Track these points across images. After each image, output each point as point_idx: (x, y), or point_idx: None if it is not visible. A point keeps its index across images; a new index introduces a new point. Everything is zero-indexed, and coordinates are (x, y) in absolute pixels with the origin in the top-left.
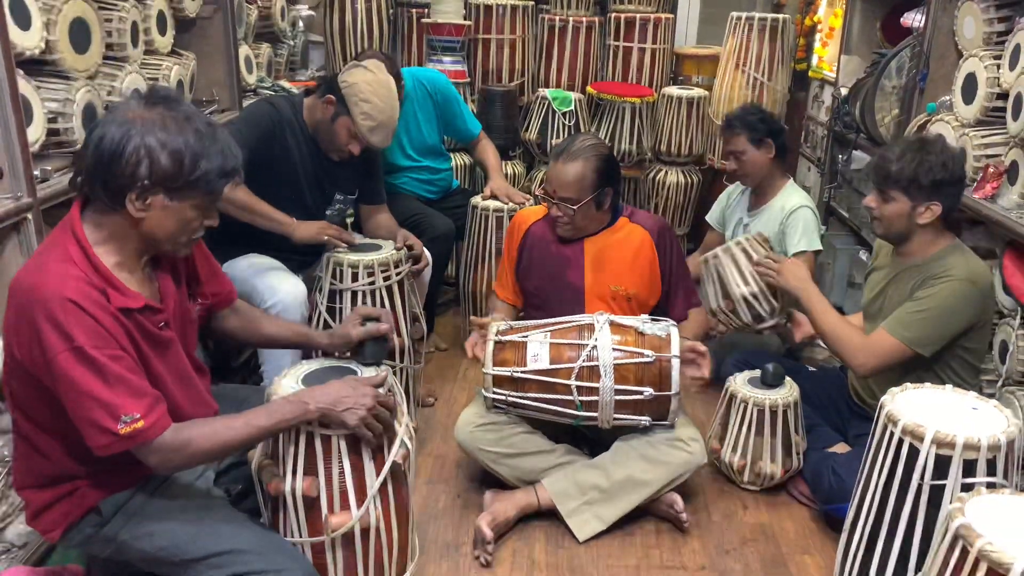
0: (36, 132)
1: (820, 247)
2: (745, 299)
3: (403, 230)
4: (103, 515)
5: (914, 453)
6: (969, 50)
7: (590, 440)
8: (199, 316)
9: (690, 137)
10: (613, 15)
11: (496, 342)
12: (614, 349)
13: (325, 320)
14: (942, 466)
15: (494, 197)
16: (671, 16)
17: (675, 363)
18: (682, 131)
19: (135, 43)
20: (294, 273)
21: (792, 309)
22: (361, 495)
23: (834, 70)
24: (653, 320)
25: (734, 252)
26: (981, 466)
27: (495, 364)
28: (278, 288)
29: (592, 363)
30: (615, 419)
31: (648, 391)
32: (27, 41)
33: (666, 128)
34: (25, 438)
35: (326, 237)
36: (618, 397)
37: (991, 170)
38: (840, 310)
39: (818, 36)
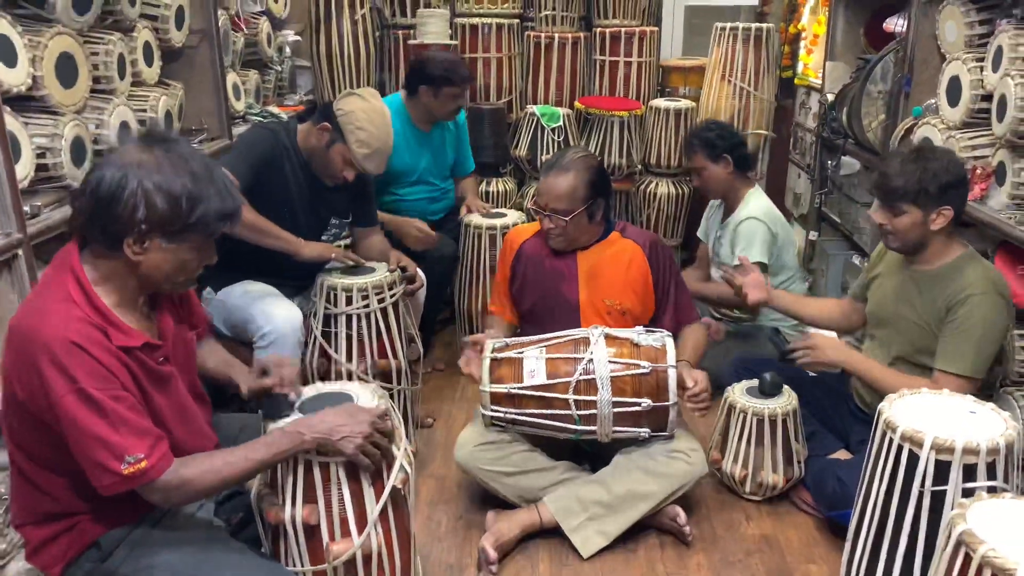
0: (25, 168)
1: (761, 258)
2: None
3: (396, 251)
4: (103, 550)
5: (914, 459)
6: (952, 53)
7: (591, 455)
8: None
9: (679, 148)
10: (598, 30)
11: (492, 359)
12: (610, 362)
13: (321, 345)
14: (942, 471)
15: (469, 210)
16: (656, 29)
17: (672, 373)
18: (671, 143)
19: (122, 75)
20: (289, 299)
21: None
22: (362, 521)
23: (820, 77)
24: (648, 331)
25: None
26: (981, 470)
27: (492, 381)
28: (273, 315)
29: (589, 377)
30: (614, 432)
31: (646, 402)
32: (13, 78)
33: (655, 140)
34: (23, 474)
35: (333, 255)
36: (616, 409)
37: (979, 172)
38: None
39: (802, 43)
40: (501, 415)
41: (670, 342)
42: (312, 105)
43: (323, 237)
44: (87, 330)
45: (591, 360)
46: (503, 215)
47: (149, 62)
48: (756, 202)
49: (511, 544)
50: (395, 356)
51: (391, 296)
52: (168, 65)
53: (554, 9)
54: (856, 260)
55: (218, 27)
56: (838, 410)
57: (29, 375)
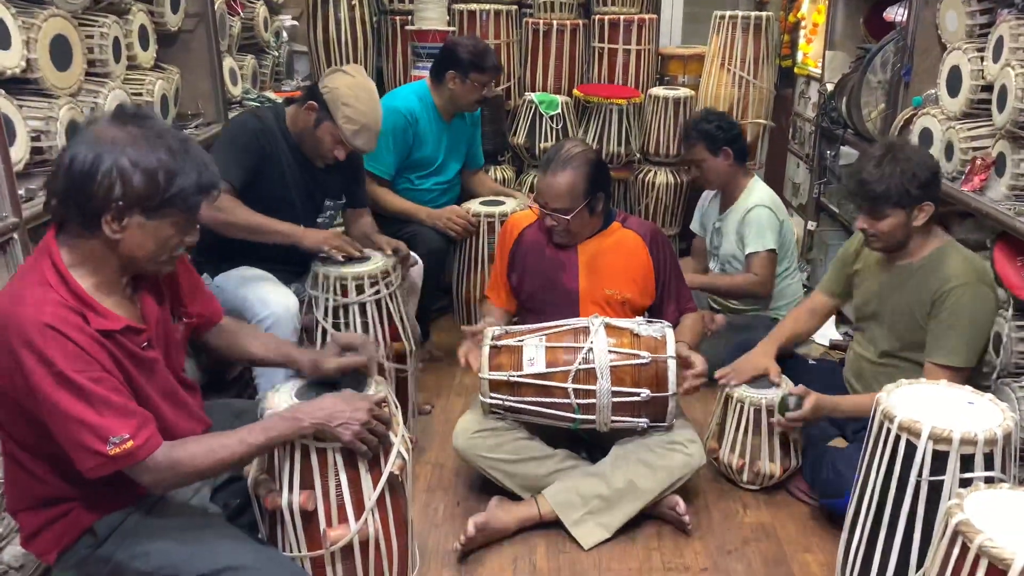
0: (19, 151)
1: (773, 245)
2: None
3: (383, 236)
4: (98, 536)
5: (911, 449)
6: (952, 43)
7: (588, 444)
8: (183, 335)
9: (678, 137)
10: (597, 17)
11: (492, 347)
12: (610, 351)
13: (333, 337)
14: (939, 462)
15: (485, 199)
16: (655, 17)
17: (671, 364)
18: (670, 131)
19: (117, 59)
20: (286, 285)
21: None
22: (359, 507)
23: (819, 66)
24: (648, 322)
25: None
26: (979, 461)
27: (491, 369)
28: (270, 301)
29: (588, 366)
30: (613, 421)
31: (645, 392)
32: (7, 60)
33: (654, 129)
34: (15, 461)
35: (328, 248)
36: (615, 399)
37: (979, 162)
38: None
39: (802, 32)
40: (499, 402)
41: (670, 333)
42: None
43: (318, 220)
44: (63, 313)
45: (591, 349)
46: (501, 203)
47: (144, 46)
48: (760, 190)
49: (503, 533)
50: (406, 338)
51: (397, 279)
52: (164, 49)
53: None
54: None
55: (214, 11)
56: (840, 392)
57: (6, 361)
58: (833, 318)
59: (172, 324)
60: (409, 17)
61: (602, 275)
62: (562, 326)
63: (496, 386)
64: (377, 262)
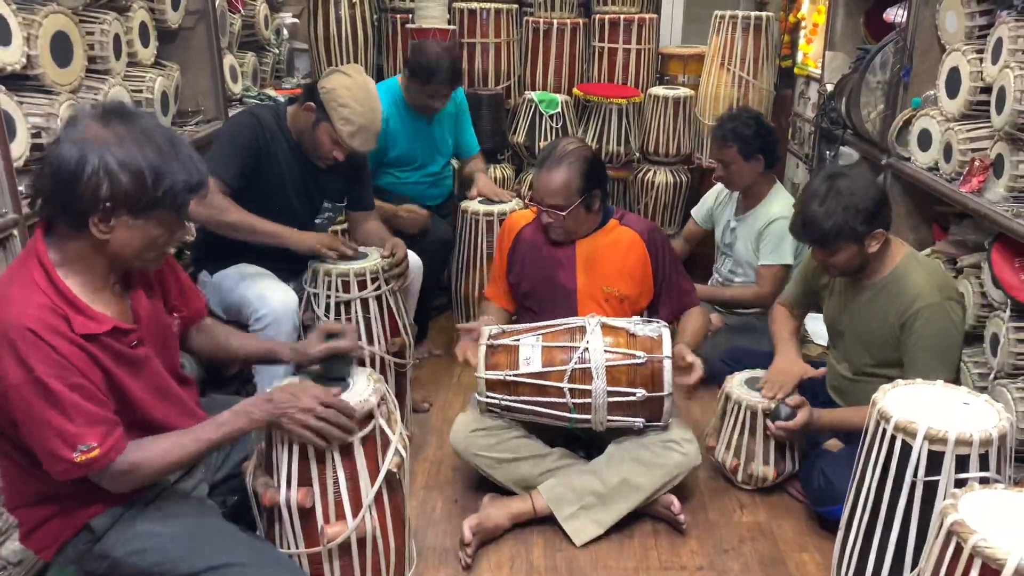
0: (20, 148)
1: (789, 261)
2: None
3: (394, 237)
4: (95, 532)
5: (907, 450)
6: (952, 44)
7: (585, 443)
8: (179, 328)
9: (677, 137)
10: (597, 16)
11: (488, 346)
12: (606, 351)
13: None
14: (935, 462)
15: (482, 195)
16: (655, 16)
17: (667, 364)
18: (669, 131)
19: (118, 55)
20: (284, 282)
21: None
22: (356, 504)
23: (819, 66)
24: (645, 321)
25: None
26: (974, 461)
27: (487, 368)
28: (269, 298)
29: (584, 365)
30: (608, 421)
31: (641, 392)
32: (8, 57)
33: (653, 128)
34: (10, 458)
35: (323, 249)
36: (611, 399)
37: (977, 164)
38: None
39: (802, 33)
40: (496, 401)
41: (666, 333)
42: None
43: (316, 221)
44: (46, 316)
45: (587, 349)
46: (502, 201)
47: (145, 43)
48: (783, 200)
49: (498, 531)
50: (407, 333)
51: (396, 275)
52: (164, 46)
53: None
54: None
55: (215, 8)
56: (828, 401)
57: None
58: None
59: (166, 318)
60: (410, 15)
61: (600, 272)
62: (558, 325)
63: (492, 385)
64: (375, 258)
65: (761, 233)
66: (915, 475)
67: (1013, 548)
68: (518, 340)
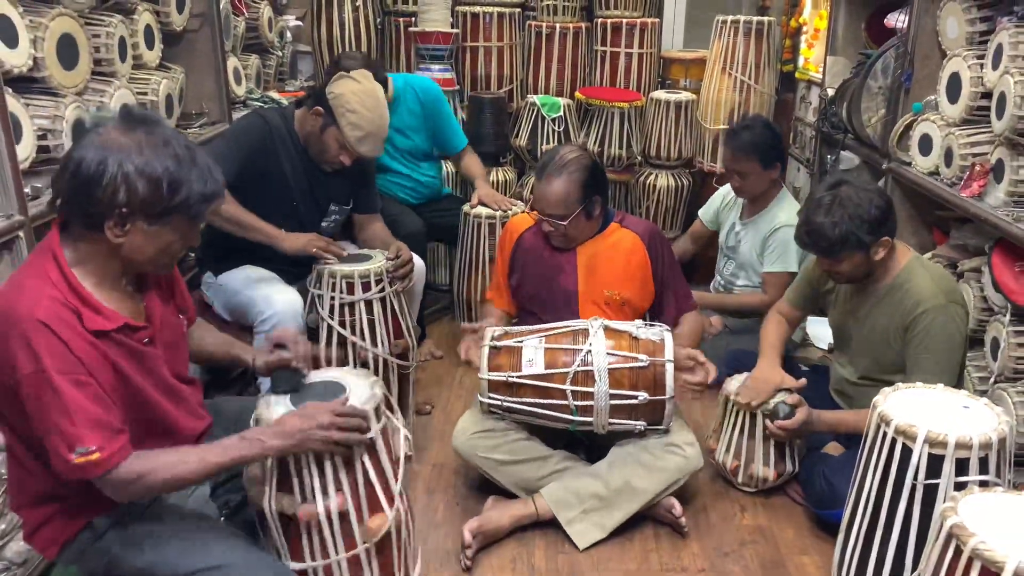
0: (26, 149)
1: (795, 268)
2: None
3: (399, 241)
4: (96, 530)
5: (907, 453)
6: (952, 50)
7: (587, 446)
8: (186, 329)
9: (679, 140)
10: (599, 20)
11: (491, 347)
12: (608, 354)
13: (339, 335)
14: (935, 465)
15: (483, 204)
16: (657, 20)
17: (669, 367)
18: (671, 135)
19: (123, 58)
20: (289, 284)
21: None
22: (388, 495)
23: (820, 71)
24: (647, 325)
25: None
26: (973, 465)
27: (490, 369)
28: (274, 300)
29: (587, 368)
30: (610, 424)
31: (643, 395)
32: (15, 59)
33: (655, 132)
34: (17, 457)
35: (314, 249)
36: (613, 402)
37: (977, 168)
38: None
39: (804, 37)
40: (498, 403)
41: (669, 337)
42: (311, 91)
43: (323, 224)
44: (58, 310)
45: (589, 351)
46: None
47: (150, 45)
48: (790, 207)
49: (499, 533)
50: (410, 335)
51: (400, 277)
52: (169, 49)
53: None
54: None
55: (219, 11)
56: (829, 404)
57: (2, 351)
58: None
59: (176, 319)
60: (413, 18)
61: (601, 276)
62: (561, 328)
63: (495, 386)
64: (380, 260)
65: (767, 239)
66: (915, 478)
67: (1012, 551)
68: (521, 342)
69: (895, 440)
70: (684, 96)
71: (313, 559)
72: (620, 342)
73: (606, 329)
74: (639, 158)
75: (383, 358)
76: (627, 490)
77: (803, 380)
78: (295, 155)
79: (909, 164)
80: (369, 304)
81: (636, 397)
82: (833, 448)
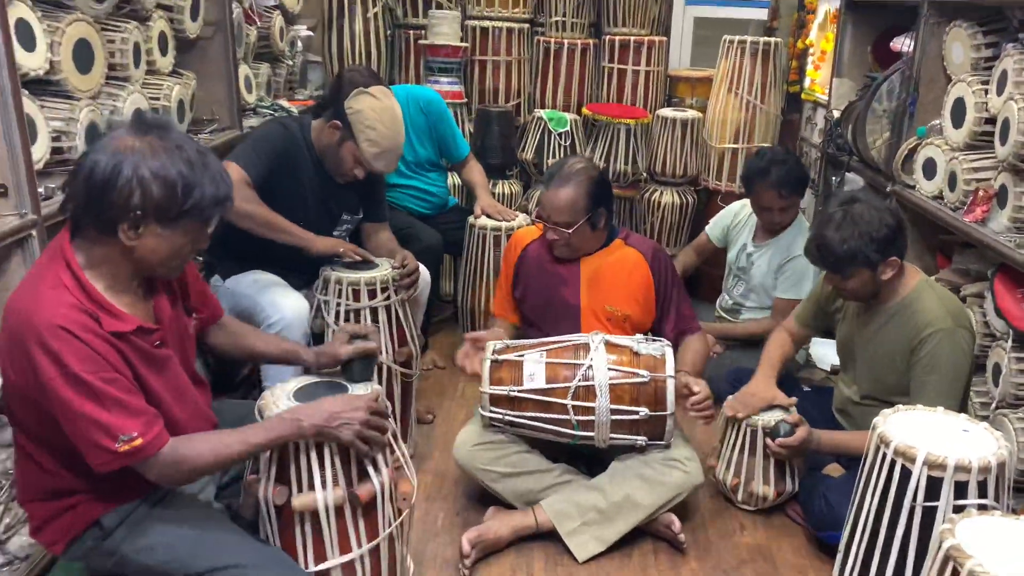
0: (40, 150)
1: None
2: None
3: (404, 250)
4: (105, 529)
5: (906, 474)
6: (957, 75)
7: (588, 459)
8: (195, 330)
9: (684, 158)
10: (608, 38)
11: (493, 361)
12: (609, 369)
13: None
14: (934, 488)
15: (485, 215)
16: (664, 39)
17: (670, 383)
18: (676, 152)
19: (137, 63)
20: (297, 290)
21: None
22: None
23: (826, 93)
24: (648, 340)
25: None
26: (972, 488)
27: (492, 383)
28: (281, 305)
29: (588, 383)
30: (611, 439)
31: (643, 411)
32: (32, 62)
33: (660, 149)
34: (26, 453)
35: (342, 249)
36: (614, 417)
37: (981, 194)
38: None
39: (810, 59)
40: (500, 417)
41: (670, 352)
42: (321, 100)
43: (335, 232)
44: (76, 316)
45: (590, 366)
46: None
47: (164, 51)
48: (807, 233)
49: (498, 544)
50: (414, 343)
51: (406, 285)
52: (182, 55)
53: (564, 15)
54: None
55: (232, 19)
56: (830, 424)
57: (21, 359)
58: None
59: (185, 319)
60: (423, 31)
61: (603, 291)
62: (563, 342)
63: (496, 400)
64: (386, 268)
65: (782, 266)
66: (914, 500)
67: (1008, 574)
68: (522, 356)
69: (894, 461)
70: (690, 114)
71: (336, 554)
72: (621, 357)
73: (607, 344)
74: (644, 174)
75: (387, 365)
76: (627, 504)
77: (794, 399)
78: (311, 165)
79: (913, 187)
80: (374, 311)
81: (637, 412)
82: (833, 469)
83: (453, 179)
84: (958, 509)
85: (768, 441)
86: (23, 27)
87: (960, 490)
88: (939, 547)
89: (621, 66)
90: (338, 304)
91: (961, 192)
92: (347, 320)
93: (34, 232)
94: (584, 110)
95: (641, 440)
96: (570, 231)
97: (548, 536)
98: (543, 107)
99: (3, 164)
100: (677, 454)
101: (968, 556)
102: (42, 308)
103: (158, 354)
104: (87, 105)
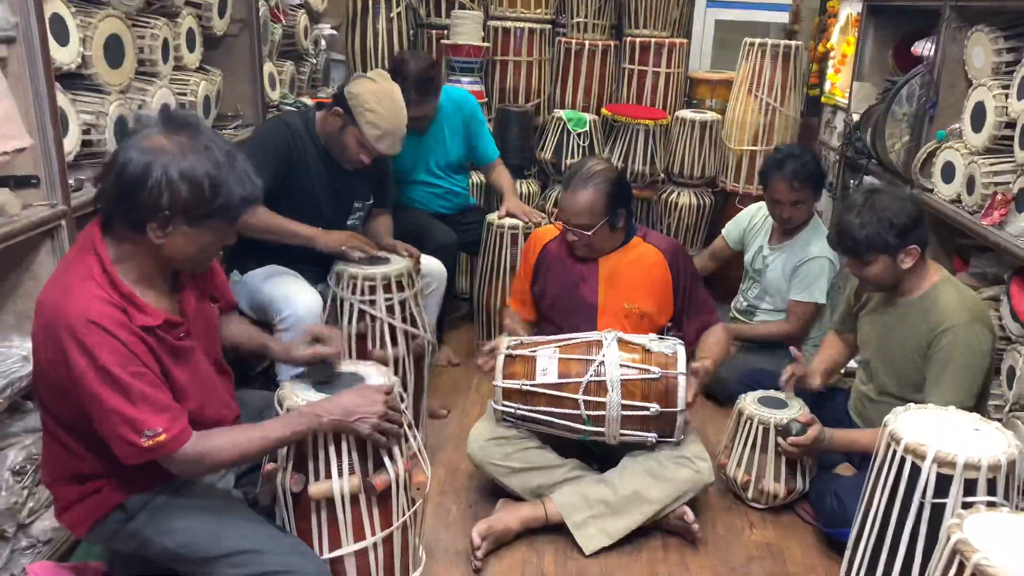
0: (71, 143)
1: (822, 300)
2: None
3: (396, 240)
4: (128, 512)
5: (916, 471)
6: (978, 79)
7: (599, 456)
8: (217, 318)
9: (703, 160)
10: (628, 39)
11: (507, 356)
12: (621, 365)
13: (358, 334)
14: (943, 485)
15: (511, 216)
16: (685, 41)
17: (681, 380)
18: (695, 154)
19: (165, 59)
20: (313, 284)
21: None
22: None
23: (846, 96)
24: (660, 338)
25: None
26: (981, 486)
27: (505, 377)
28: (294, 299)
29: (600, 378)
30: (621, 435)
31: (654, 407)
32: (65, 56)
33: (679, 150)
34: (54, 437)
35: (345, 248)
36: (625, 413)
37: (999, 197)
38: None
39: (831, 62)
40: (512, 410)
41: (681, 350)
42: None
43: (348, 221)
44: (107, 310)
45: (602, 362)
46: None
47: (191, 48)
48: (823, 238)
49: (507, 536)
50: (429, 335)
51: (418, 280)
52: (209, 52)
53: (586, 16)
54: None
55: (258, 17)
56: (842, 424)
57: (53, 349)
58: None
59: (209, 308)
60: (445, 31)
61: (621, 289)
62: (576, 339)
63: (509, 394)
64: (400, 263)
65: (797, 268)
66: (923, 497)
67: (1014, 568)
68: (536, 351)
69: (904, 458)
70: (709, 116)
71: (354, 540)
72: (633, 354)
73: (620, 341)
74: (662, 175)
75: (401, 359)
76: (636, 499)
77: (806, 415)
78: (318, 157)
79: (931, 191)
80: (389, 306)
81: (648, 409)
82: (845, 469)
83: (475, 177)
84: (967, 506)
85: (780, 439)
86: (57, 21)
87: (969, 488)
88: (947, 541)
89: (641, 67)
90: (352, 298)
91: (979, 196)
92: (360, 316)
93: (63, 223)
94: (603, 110)
95: (651, 437)
96: (590, 233)
97: (558, 530)
98: (563, 107)
99: (36, 156)
100: (688, 451)
101: (975, 550)
102: (74, 302)
103: (183, 346)
104: (116, 99)
